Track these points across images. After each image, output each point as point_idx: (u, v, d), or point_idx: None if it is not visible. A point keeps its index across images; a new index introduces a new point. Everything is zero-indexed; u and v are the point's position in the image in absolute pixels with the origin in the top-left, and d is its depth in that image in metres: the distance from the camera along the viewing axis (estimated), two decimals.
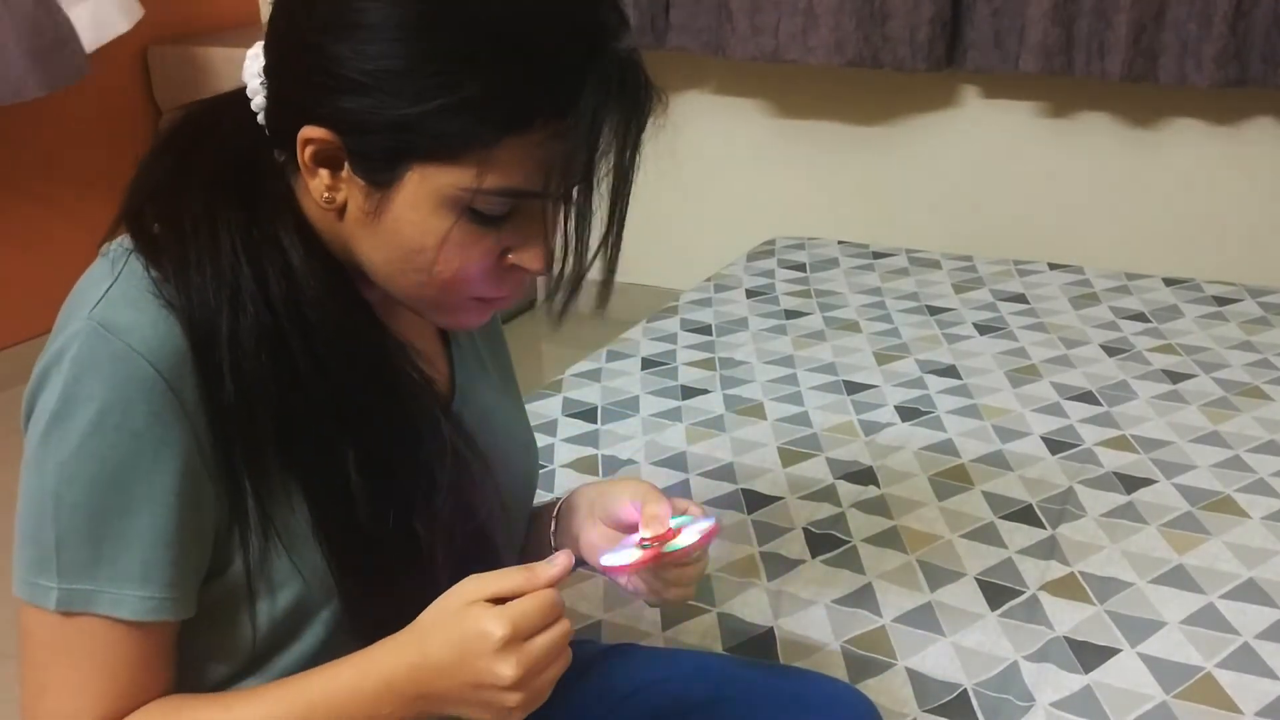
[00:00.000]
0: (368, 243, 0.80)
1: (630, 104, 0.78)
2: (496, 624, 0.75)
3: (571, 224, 0.81)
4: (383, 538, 0.82)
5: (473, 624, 0.76)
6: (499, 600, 0.77)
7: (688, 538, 0.90)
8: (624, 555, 0.90)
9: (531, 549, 1.06)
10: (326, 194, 0.78)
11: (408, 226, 0.77)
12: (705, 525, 0.92)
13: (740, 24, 2.92)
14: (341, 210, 0.79)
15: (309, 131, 0.76)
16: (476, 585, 0.78)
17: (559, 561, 0.80)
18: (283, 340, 0.78)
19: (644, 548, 0.90)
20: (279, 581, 0.82)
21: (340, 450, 0.80)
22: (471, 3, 0.72)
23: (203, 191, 0.79)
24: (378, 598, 0.82)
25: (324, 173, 0.78)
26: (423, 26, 0.72)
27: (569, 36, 0.74)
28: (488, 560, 0.85)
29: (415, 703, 0.78)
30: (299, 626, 0.84)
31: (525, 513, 1.05)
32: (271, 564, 0.81)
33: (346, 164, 0.77)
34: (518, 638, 0.75)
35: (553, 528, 1.03)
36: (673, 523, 0.91)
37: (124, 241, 0.80)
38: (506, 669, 0.75)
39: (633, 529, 0.94)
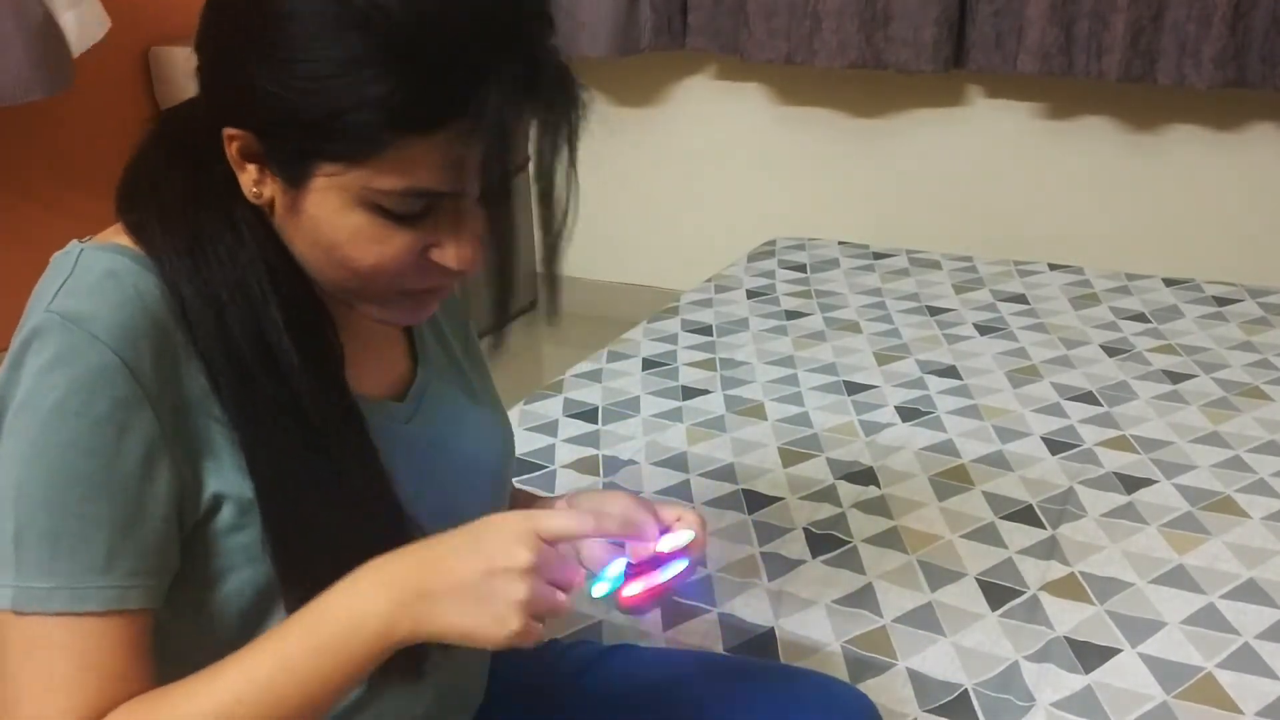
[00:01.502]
0: (292, 236, 0.81)
1: (544, 107, 0.75)
2: (515, 515, 0.77)
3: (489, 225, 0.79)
4: (330, 539, 0.82)
5: (489, 518, 0.78)
6: None
7: (673, 569, 0.90)
8: (614, 579, 0.89)
9: None
10: (255, 189, 0.80)
11: (322, 223, 0.78)
12: (686, 537, 0.91)
13: (756, 27, 2.93)
14: (270, 205, 0.81)
15: (230, 131, 0.77)
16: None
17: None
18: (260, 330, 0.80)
19: (629, 573, 0.89)
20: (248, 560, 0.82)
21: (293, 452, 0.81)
22: (368, 6, 0.71)
23: (181, 193, 0.82)
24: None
25: (251, 168, 0.79)
26: (320, 30, 0.72)
27: (469, 38, 0.72)
28: None
29: (413, 603, 0.76)
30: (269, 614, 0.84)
31: (491, 500, 1.03)
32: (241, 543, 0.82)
33: (267, 159, 0.78)
34: (534, 531, 0.76)
35: None
36: (659, 545, 0.91)
37: (73, 245, 0.82)
38: (523, 551, 0.74)
39: (619, 548, 0.94)
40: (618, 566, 0.90)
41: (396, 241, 0.78)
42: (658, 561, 0.90)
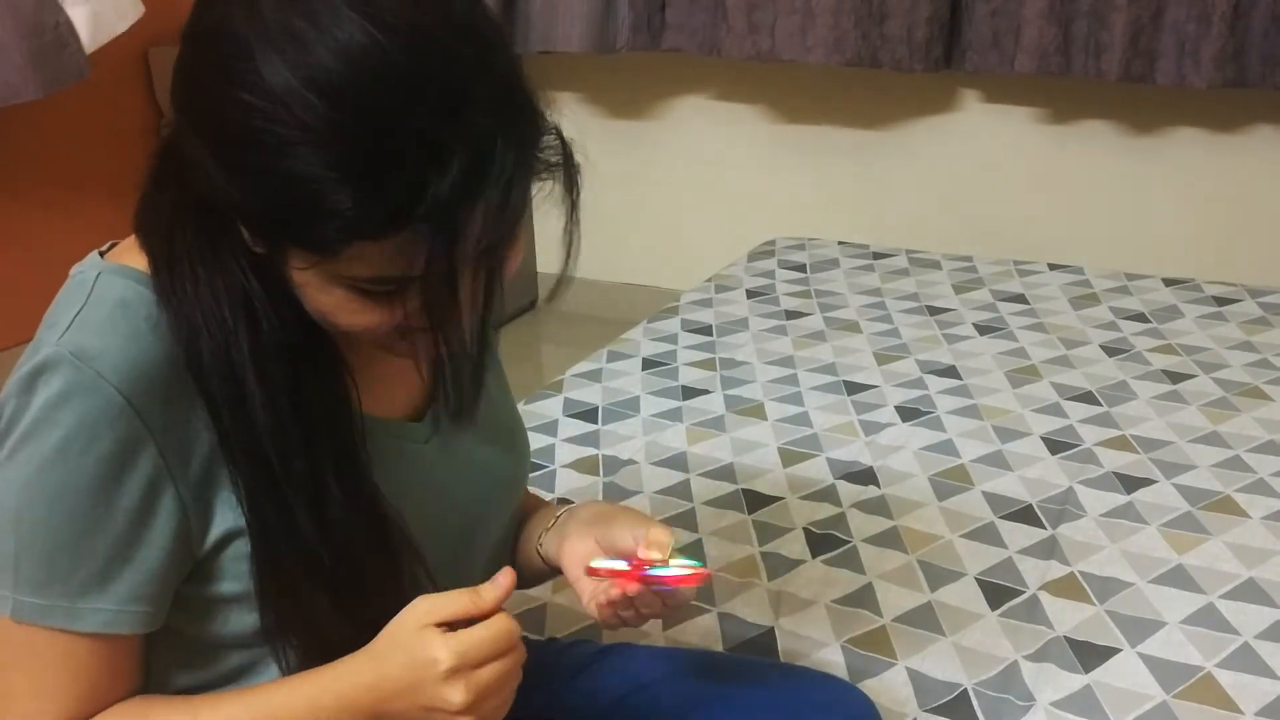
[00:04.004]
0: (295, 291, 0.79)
1: (502, 189, 0.72)
2: (444, 652, 0.77)
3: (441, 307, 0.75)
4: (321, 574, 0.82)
5: (423, 650, 0.78)
6: (452, 625, 0.79)
7: (676, 570, 0.90)
8: (612, 563, 0.90)
9: (519, 554, 1.06)
10: (254, 245, 0.77)
11: (307, 294, 0.77)
12: (695, 565, 0.90)
13: (736, 23, 2.92)
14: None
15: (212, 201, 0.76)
16: (427, 608, 0.80)
17: (501, 583, 0.81)
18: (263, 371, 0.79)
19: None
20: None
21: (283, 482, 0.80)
22: (304, 125, 0.68)
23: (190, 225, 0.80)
24: (305, 634, 0.83)
25: (244, 228, 0.77)
26: (272, 150, 0.69)
27: (406, 148, 0.69)
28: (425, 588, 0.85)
29: (378, 710, 0.81)
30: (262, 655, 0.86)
31: (507, 516, 1.04)
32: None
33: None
34: (465, 666, 0.77)
35: (548, 525, 1.03)
36: (671, 560, 0.91)
37: (94, 262, 0.82)
38: (455, 694, 0.77)
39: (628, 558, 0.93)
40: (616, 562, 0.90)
41: (380, 313, 0.77)
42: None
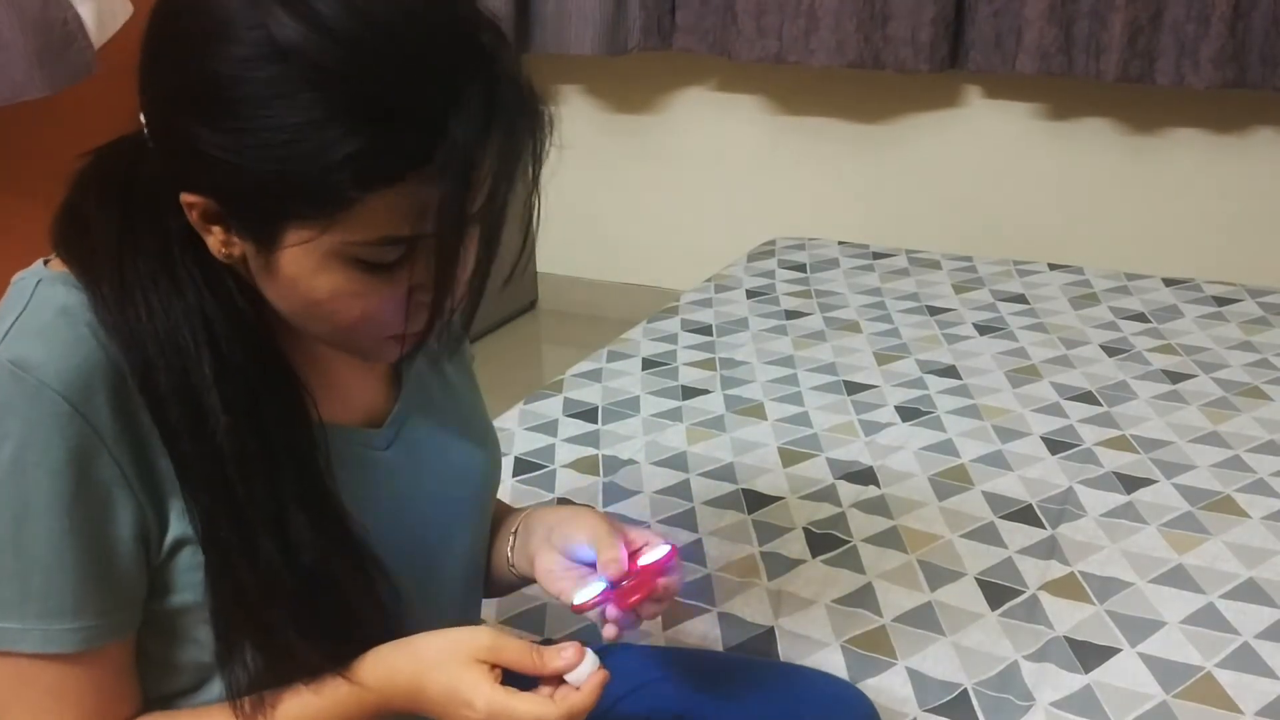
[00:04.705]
0: (271, 293, 0.78)
1: (505, 133, 0.73)
2: (482, 702, 0.78)
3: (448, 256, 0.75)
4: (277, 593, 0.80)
5: (466, 686, 0.79)
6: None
7: (649, 575, 0.89)
8: (591, 590, 0.89)
9: (492, 566, 1.05)
10: (224, 250, 0.76)
11: (300, 283, 0.75)
12: (662, 551, 0.90)
13: (746, 26, 2.93)
14: (244, 262, 0.77)
15: (188, 197, 0.74)
16: (489, 644, 0.80)
17: (567, 656, 0.82)
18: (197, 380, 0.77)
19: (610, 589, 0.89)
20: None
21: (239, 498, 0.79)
22: (316, 67, 0.68)
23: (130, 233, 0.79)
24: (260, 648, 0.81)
25: (217, 229, 0.75)
26: (270, 95, 0.68)
27: (424, 83, 0.69)
28: (383, 613, 0.84)
29: (409, 709, 0.82)
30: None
31: (478, 526, 1.02)
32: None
33: (232, 223, 0.75)
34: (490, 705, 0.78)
35: (511, 544, 1.01)
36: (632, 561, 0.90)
37: (36, 269, 0.80)
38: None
39: (589, 565, 0.92)
40: (596, 587, 0.89)
41: (380, 292, 0.76)
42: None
